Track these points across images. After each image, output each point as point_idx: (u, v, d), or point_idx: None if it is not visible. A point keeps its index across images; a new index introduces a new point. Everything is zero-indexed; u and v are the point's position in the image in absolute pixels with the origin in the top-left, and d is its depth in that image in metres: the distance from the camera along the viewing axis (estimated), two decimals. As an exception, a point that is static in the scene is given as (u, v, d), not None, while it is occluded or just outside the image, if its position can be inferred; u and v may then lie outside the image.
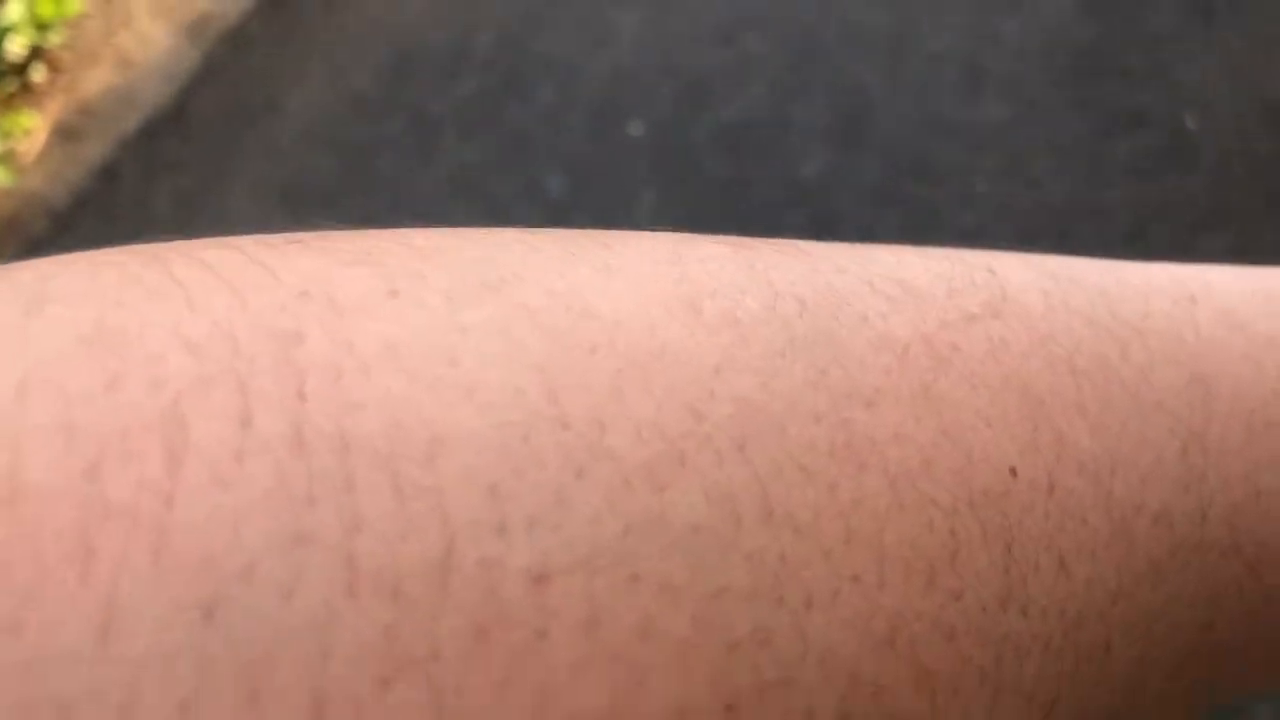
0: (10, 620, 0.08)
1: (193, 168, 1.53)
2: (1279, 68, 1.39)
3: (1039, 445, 0.14)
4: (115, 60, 1.68)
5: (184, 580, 0.09)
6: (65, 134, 1.62)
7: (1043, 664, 0.13)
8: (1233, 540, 0.15)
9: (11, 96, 1.72)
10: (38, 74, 1.74)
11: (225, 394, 0.10)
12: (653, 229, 0.14)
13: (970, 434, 0.13)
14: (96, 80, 1.66)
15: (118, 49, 1.68)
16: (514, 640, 0.10)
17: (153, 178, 1.52)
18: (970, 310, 0.14)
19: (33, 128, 1.66)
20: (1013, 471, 0.13)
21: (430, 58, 1.59)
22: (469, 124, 1.49)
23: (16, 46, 1.72)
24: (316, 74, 1.61)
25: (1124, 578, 0.14)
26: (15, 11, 1.72)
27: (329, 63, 1.62)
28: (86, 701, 0.08)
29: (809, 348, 0.13)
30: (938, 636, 0.12)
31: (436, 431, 0.10)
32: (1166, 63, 1.41)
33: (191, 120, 1.59)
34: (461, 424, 0.10)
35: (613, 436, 0.11)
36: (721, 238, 0.14)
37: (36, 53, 1.74)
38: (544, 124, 1.47)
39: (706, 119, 1.43)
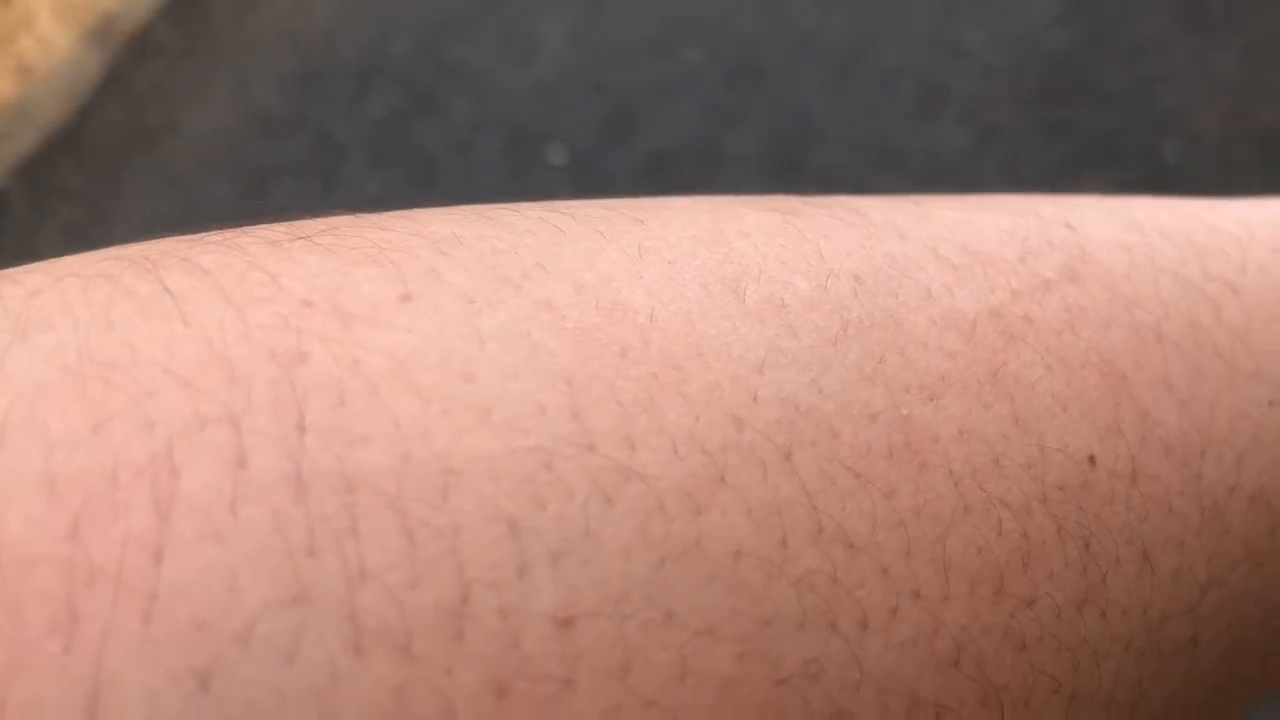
0: None
1: (85, 197, 1.42)
2: (1275, 91, 1.23)
3: (1121, 428, 0.12)
4: (14, 68, 1.56)
5: (176, 647, 0.08)
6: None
7: (1123, 666, 0.12)
8: None
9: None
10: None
11: (219, 432, 0.09)
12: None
13: (1044, 421, 0.12)
14: (-6, 91, 1.55)
15: (17, 55, 1.56)
16: (537, 694, 0.09)
17: (43, 210, 1.41)
18: (1045, 275, 0.13)
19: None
20: (1091, 460, 0.12)
21: (339, 72, 1.46)
22: (377, 149, 1.36)
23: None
24: (220, 88, 1.49)
25: (1215, 566, 0.13)
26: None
27: (234, 75, 1.49)
28: None
29: (865, 333, 0.12)
30: (1007, 649, 0.11)
31: (449, 462, 0.09)
32: (1147, 81, 1.26)
33: (88, 142, 1.48)
34: (477, 451, 0.09)
35: (645, 454, 0.10)
36: (770, 201, 0.13)
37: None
38: (456, 150, 1.34)
39: (633, 145, 1.30)
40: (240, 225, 0.11)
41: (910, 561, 0.11)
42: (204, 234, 0.11)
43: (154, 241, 0.11)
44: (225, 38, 1.55)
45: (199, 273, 0.10)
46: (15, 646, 0.08)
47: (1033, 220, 0.14)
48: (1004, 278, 0.13)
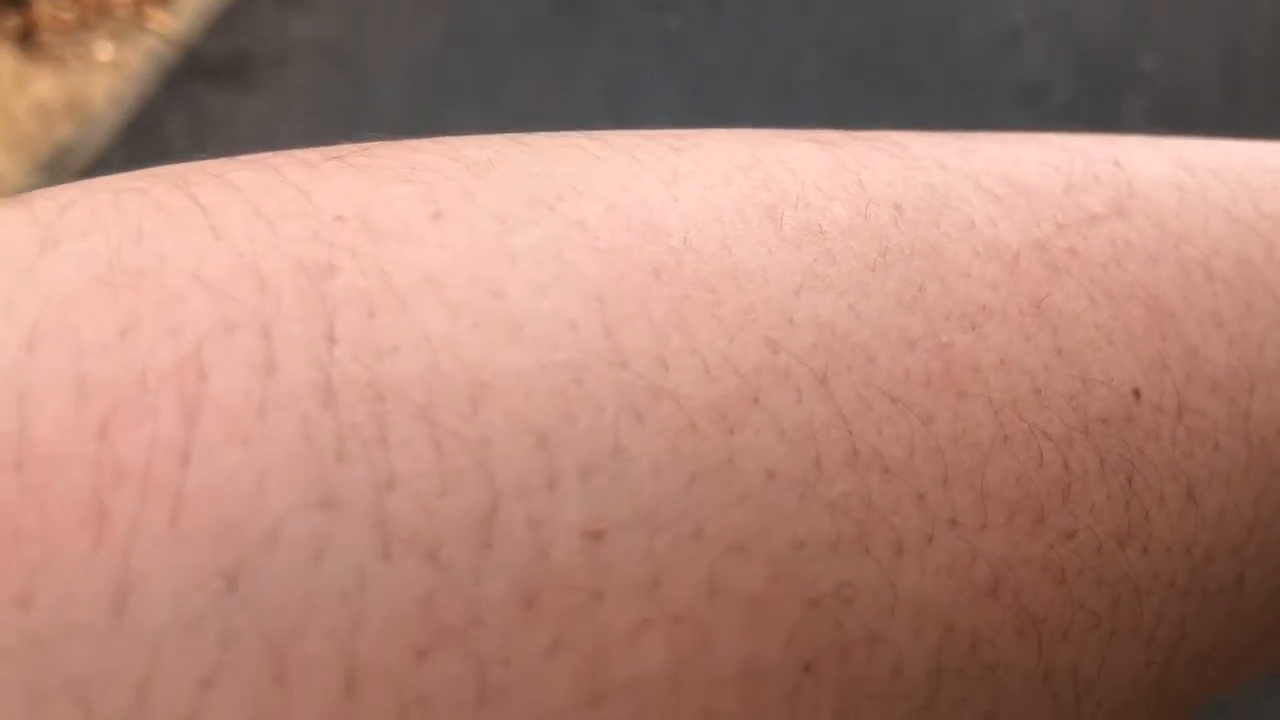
0: (20, 594, 0.08)
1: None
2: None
3: (1167, 363, 0.12)
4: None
5: (204, 547, 0.08)
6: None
7: (1165, 604, 0.12)
8: None
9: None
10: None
11: (248, 339, 0.09)
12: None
13: (1088, 353, 0.12)
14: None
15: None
16: (565, 604, 0.09)
17: None
18: (1092, 209, 0.13)
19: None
20: (1136, 394, 0.12)
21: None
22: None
23: None
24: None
25: (1263, 505, 0.13)
26: None
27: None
28: (102, 680, 0.08)
29: (905, 260, 0.11)
30: (1046, 581, 0.11)
31: (479, 375, 0.09)
32: None
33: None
34: (507, 365, 0.09)
35: (677, 374, 0.10)
36: (810, 133, 0.13)
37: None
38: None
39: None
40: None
41: (947, 489, 0.11)
42: (243, 156, 0.11)
43: (186, 165, 0.11)
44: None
45: (231, 188, 0.10)
46: (44, 543, 0.08)
47: (1079, 156, 0.14)
48: (1049, 210, 0.13)
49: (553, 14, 1.38)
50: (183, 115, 1.36)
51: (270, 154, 0.11)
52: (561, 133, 0.12)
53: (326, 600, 0.08)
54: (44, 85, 1.44)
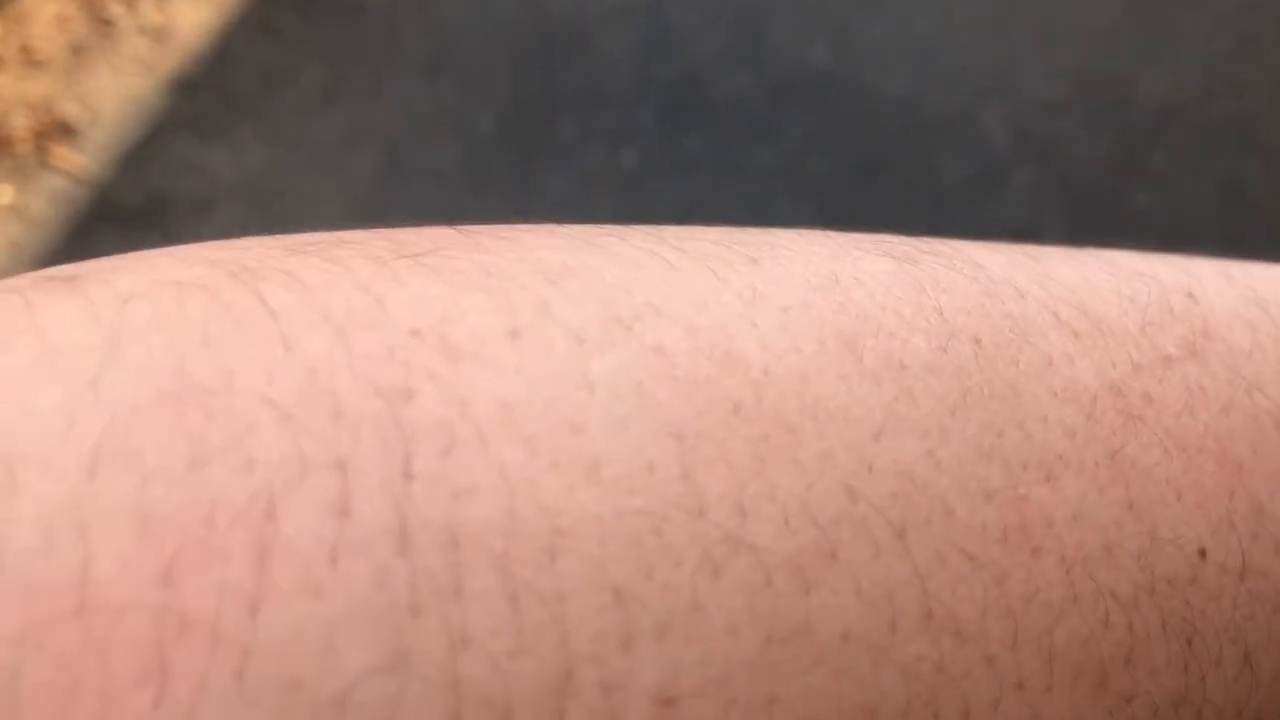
0: None
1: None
2: None
3: (1234, 521, 0.12)
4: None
5: (271, 708, 0.08)
6: None
7: None
8: None
9: None
10: None
11: (323, 475, 0.08)
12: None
13: (1159, 509, 0.11)
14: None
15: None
16: None
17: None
18: (1167, 350, 0.12)
19: None
20: (1202, 553, 0.12)
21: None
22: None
23: None
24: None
25: None
26: None
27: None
28: None
29: (985, 403, 0.11)
30: None
31: (557, 522, 0.09)
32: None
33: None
34: (586, 511, 0.09)
35: (755, 524, 0.09)
36: (885, 244, 0.12)
37: None
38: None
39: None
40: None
41: (1016, 652, 0.10)
42: (301, 238, 0.10)
43: (248, 243, 0.10)
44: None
45: (301, 288, 0.09)
46: (104, 698, 0.07)
47: (1154, 286, 0.13)
48: (1125, 350, 0.12)
49: (499, 149, 1.26)
50: (92, 262, 1.23)
51: (335, 240, 0.10)
52: (635, 230, 0.12)
53: None
54: (-66, 231, 1.31)
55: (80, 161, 1.31)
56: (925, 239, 0.13)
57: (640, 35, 1.31)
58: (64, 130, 1.33)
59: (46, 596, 0.07)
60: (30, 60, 1.37)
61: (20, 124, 1.34)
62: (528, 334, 0.10)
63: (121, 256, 0.10)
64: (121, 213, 1.28)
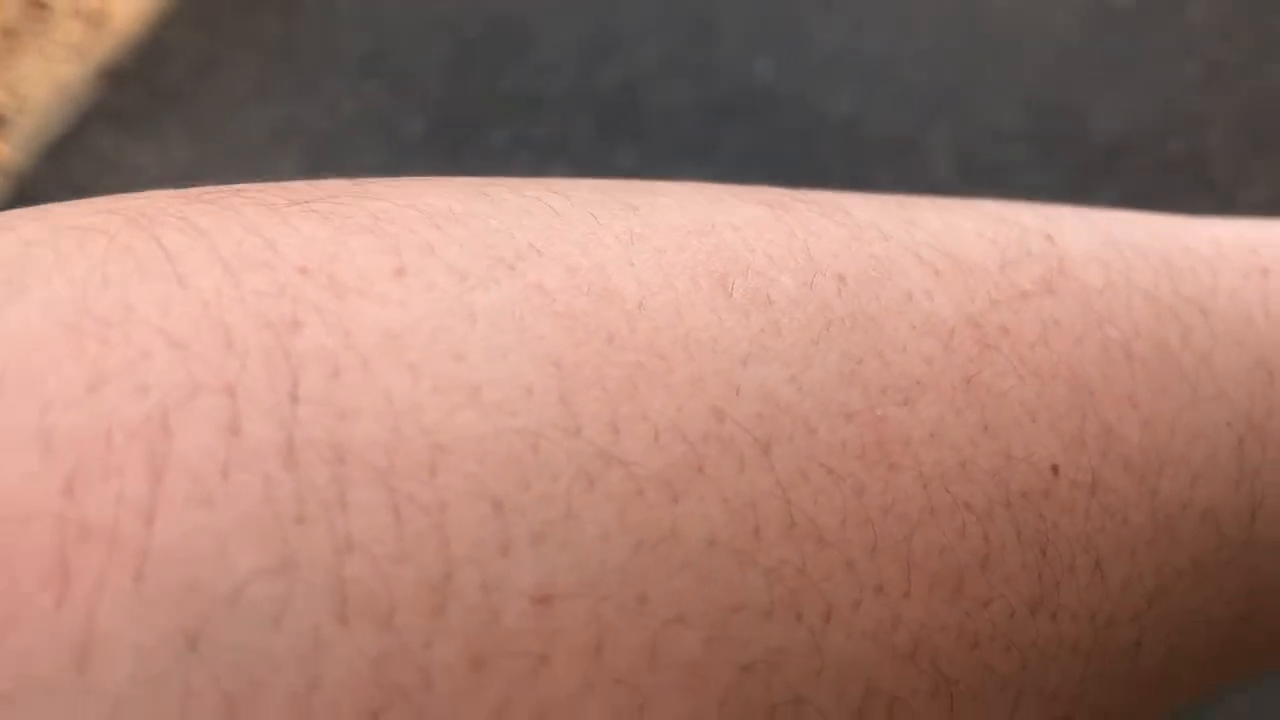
0: None
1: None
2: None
3: (1085, 441, 0.13)
4: None
5: (166, 606, 0.08)
6: None
7: (1069, 666, 0.13)
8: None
9: None
10: None
11: (214, 398, 0.09)
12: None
13: (1013, 430, 0.12)
14: None
15: None
16: (513, 668, 0.09)
17: None
18: (1024, 286, 0.13)
19: None
20: (1055, 470, 0.13)
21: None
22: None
23: None
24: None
25: (1163, 577, 0.14)
26: None
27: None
28: None
29: (847, 334, 0.12)
30: (961, 646, 0.12)
31: (438, 439, 0.09)
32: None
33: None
34: (466, 430, 0.10)
35: (628, 441, 0.10)
36: (761, 193, 0.13)
37: None
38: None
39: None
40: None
41: (876, 558, 0.11)
42: (199, 190, 0.11)
43: (149, 195, 0.11)
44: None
45: (195, 232, 0.10)
46: (8, 599, 0.08)
47: (1015, 229, 0.14)
48: (984, 286, 0.13)
49: (426, 154, 1.22)
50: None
51: (231, 191, 0.11)
52: (525, 182, 0.12)
53: (284, 661, 0.08)
54: None
55: (4, 151, 1.28)
56: (801, 189, 0.14)
57: (584, 37, 1.27)
58: (-10, 117, 1.30)
59: None
60: (-39, 42, 1.34)
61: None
62: (413, 272, 0.10)
63: (26, 209, 0.10)
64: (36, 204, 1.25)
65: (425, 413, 0.09)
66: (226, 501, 0.08)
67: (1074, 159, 1.14)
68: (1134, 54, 1.19)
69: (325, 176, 0.12)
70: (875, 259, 0.13)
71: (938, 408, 0.12)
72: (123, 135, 1.28)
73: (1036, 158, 1.15)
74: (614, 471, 0.10)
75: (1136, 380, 0.13)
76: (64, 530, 0.08)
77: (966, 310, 0.13)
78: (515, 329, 0.10)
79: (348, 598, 0.09)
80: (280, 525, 0.09)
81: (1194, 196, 1.11)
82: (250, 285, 0.10)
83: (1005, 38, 1.20)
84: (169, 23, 1.34)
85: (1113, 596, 0.13)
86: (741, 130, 1.19)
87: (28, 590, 0.08)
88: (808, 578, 0.10)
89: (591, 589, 0.09)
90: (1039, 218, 0.15)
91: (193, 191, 0.11)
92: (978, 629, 0.12)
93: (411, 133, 1.24)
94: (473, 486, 0.09)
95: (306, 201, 0.11)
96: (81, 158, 1.27)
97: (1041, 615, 0.12)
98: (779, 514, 0.10)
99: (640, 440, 0.10)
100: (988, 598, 0.12)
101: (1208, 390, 0.14)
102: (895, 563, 0.11)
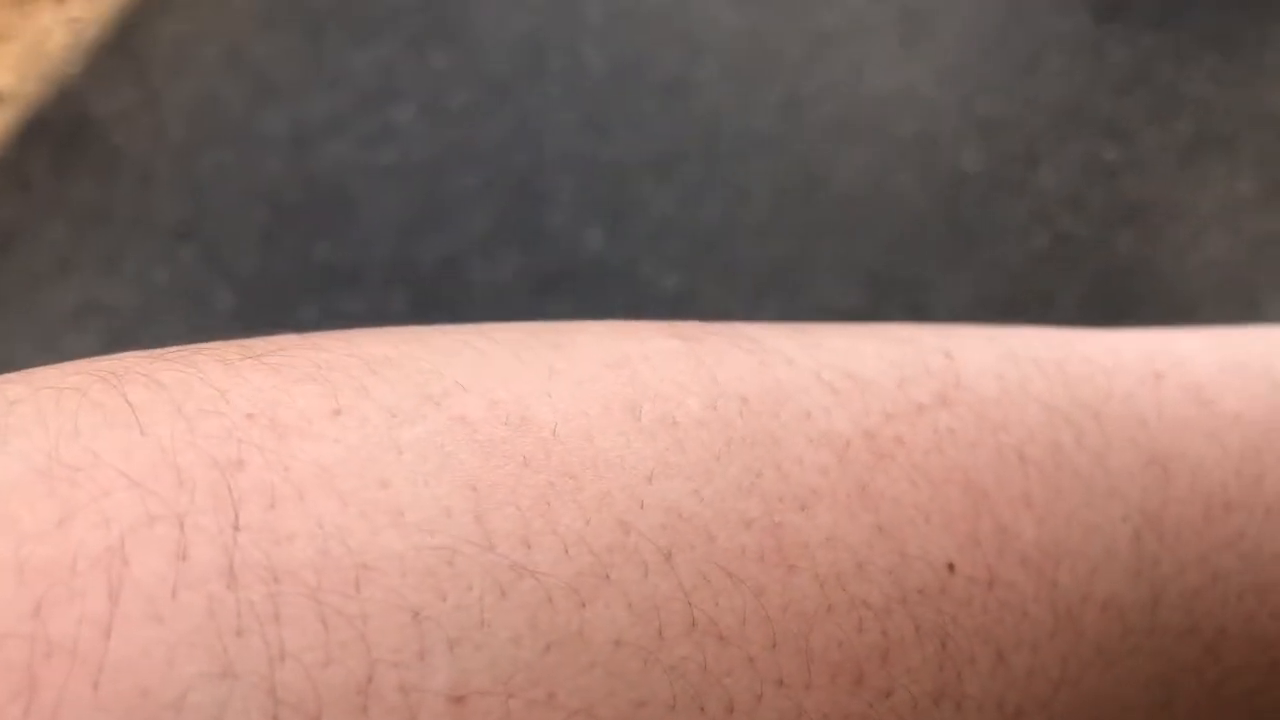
0: None
1: None
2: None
3: (979, 539, 0.14)
4: None
5: (119, 710, 0.09)
6: None
7: None
8: (1189, 623, 0.15)
9: None
10: None
11: (165, 529, 0.10)
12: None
13: (907, 530, 0.13)
14: None
15: None
16: None
17: None
18: (919, 400, 0.14)
19: None
20: (950, 567, 0.13)
21: None
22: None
23: None
24: None
25: (1069, 665, 0.14)
26: None
27: None
28: None
29: (747, 449, 0.13)
30: None
31: (363, 558, 0.10)
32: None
33: None
34: (388, 549, 0.11)
35: (538, 554, 0.11)
36: (677, 328, 0.14)
37: None
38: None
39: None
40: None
41: (775, 653, 0.12)
42: (165, 350, 0.12)
43: (120, 356, 0.12)
44: None
45: (157, 387, 0.11)
46: None
47: (913, 349, 0.15)
48: (880, 402, 0.14)
49: (231, 330, 1.14)
50: None
51: (194, 349, 0.12)
52: (459, 328, 0.14)
53: None
54: None
55: None
56: (718, 323, 0.15)
57: (408, 206, 1.20)
58: None
59: None
60: None
61: None
62: (348, 412, 0.11)
63: (14, 373, 0.12)
64: None
65: (352, 535, 0.10)
66: (175, 618, 0.09)
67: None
68: (982, 224, 1.12)
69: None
70: (778, 381, 0.14)
71: (833, 513, 0.13)
72: None
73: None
74: (525, 581, 0.11)
75: (1030, 481, 0.14)
76: (33, 648, 0.09)
77: (863, 424, 0.14)
78: (438, 457, 0.11)
79: (280, 699, 0.09)
80: (221, 638, 0.10)
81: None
82: (203, 431, 0.11)
83: (848, 207, 1.14)
84: (-20, 185, 1.27)
85: (1018, 686, 0.14)
86: (567, 302, 1.11)
87: (1, 703, 0.09)
88: (709, 674, 0.11)
89: (503, 688, 0.10)
90: (939, 337, 0.16)
91: (160, 351, 0.12)
92: (881, 718, 0.12)
93: (221, 306, 1.16)
94: (393, 599, 0.10)
95: (259, 355, 0.12)
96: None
97: (946, 705, 0.13)
98: (681, 615, 0.11)
99: (550, 552, 0.11)
100: (889, 688, 0.12)
101: (1101, 487, 0.15)
102: (795, 657, 0.12)
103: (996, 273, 1.09)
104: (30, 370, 0.12)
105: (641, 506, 0.12)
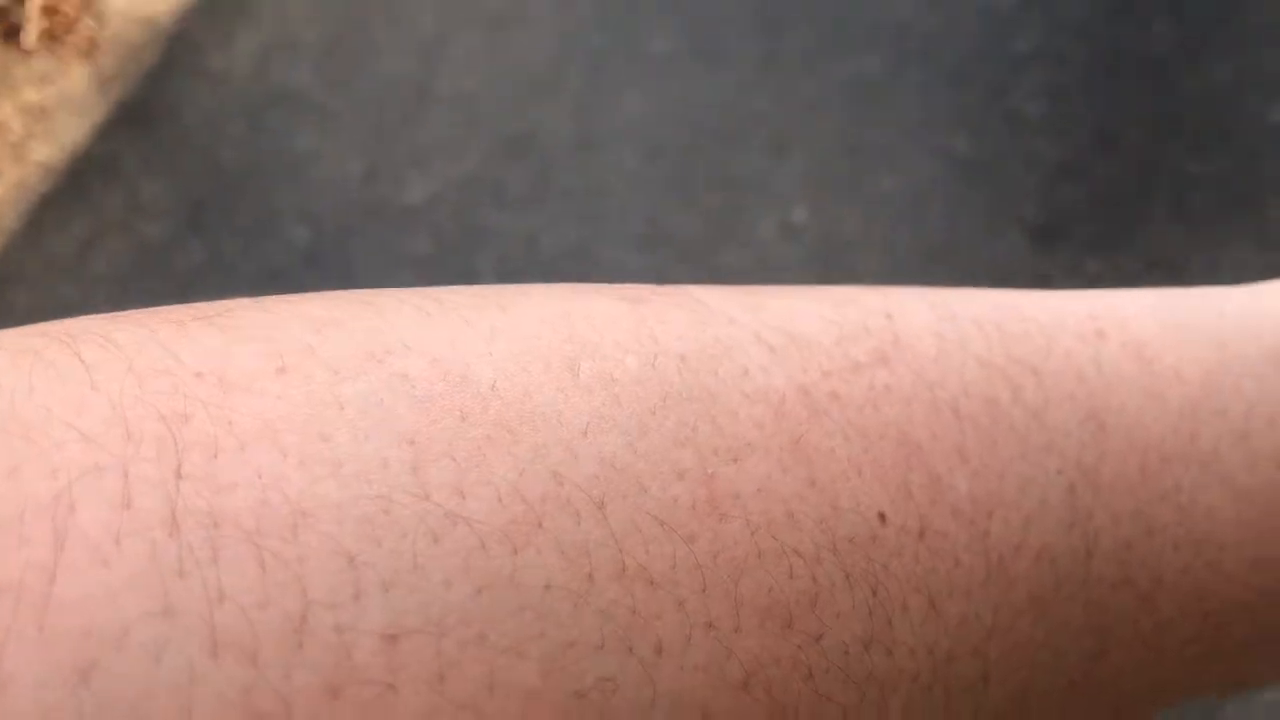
0: None
1: None
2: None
3: (911, 490, 0.14)
4: None
5: (64, 649, 0.09)
6: None
7: (910, 697, 0.14)
8: (1123, 574, 0.16)
9: None
10: None
11: (111, 479, 0.10)
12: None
13: (839, 483, 0.13)
14: None
15: None
16: (364, 695, 0.10)
17: None
18: (857, 358, 0.15)
19: None
20: (881, 517, 0.14)
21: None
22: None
23: None
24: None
25: (1001, 613, 0.14)
26: None
27: None
28: None
29: (683, 404, 0.13)
30: (796, 676, 0.12)
31: (301, 506, 0.11)
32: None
33: None
34: (326, 498, 0.11)
35: (473, 503, 0.11)
36: (621, 290, 0.15)
37: None
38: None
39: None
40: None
41: (705, 598, 0.12)
42: (121, 313, 0.13)
43: (79, 319, 0.12)
44: None
45: (112, 347, 0.12)
46: None
47: (853, 309, 0.15)
48: (817, 359, 0.14)
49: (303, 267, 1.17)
50: None
51: (148, 312, 0.13)
52: (407, 291, 0.14)
53: (163, 691, 0.10)
54: None
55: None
56: (667, 286, 0.15)
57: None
58: None
59: None
60: None
61: None
62: (292, 370, 0.12)
63: None
64: None
65: (291, 484, 0.11)
66: (118, 562, 0.10)
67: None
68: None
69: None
70: (717, 339, 0.14)
71: (766, 465, 0.13)
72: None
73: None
74: (458, 528, 0.11)
75: (965, 435, 0.14)
76: None
77: (799, 380, 0.14)
78: (378, 412, 0.11)
79: (218, 638, 0.10)
80: (163, 579, 0.10)
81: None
82: (152, 387, 0.11)
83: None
84: None
85: (950, 632, 0.14)
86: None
87: None
88: (639, 616, 0.12)
89: (435, 627, 0.11)
90: (881, 298, 0.16)
91: (117, 314, 0.13)
92: (810, 661, 0.12)
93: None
94: (329, 544, 0.10)
95: (209, 317, 0.12)
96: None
97: (877, 649, 0.13)
98: (612, 561, 0.12)
99: (484, 501, 0.11)
100: (819, 633, 0.13)
101: (1038, 441, 0.15)
102: (724, 601, 0.12)
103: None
104: None
105: (576, 458, 0.12)
